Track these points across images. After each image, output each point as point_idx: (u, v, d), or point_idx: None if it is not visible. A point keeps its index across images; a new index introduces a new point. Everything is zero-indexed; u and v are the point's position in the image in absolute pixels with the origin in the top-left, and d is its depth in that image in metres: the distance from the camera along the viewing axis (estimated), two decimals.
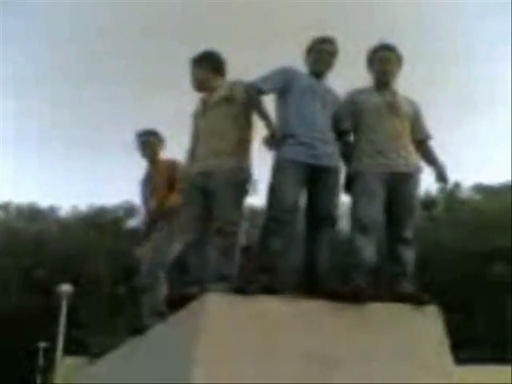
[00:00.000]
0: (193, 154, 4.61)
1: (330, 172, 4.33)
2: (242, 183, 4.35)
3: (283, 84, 4.40)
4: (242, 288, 3.78)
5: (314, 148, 4.26)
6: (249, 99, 4.37)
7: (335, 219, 4.39)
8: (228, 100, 4.45)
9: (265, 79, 4.41)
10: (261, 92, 4.37)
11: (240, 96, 4.42)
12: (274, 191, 4.20)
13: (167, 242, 5.29)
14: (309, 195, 4.37)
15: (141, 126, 5.97)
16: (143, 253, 5.68)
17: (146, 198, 5.91)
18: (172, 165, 5.63)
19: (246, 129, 4.47)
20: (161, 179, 5.67)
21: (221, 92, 4.53)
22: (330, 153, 4.34)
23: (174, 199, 5.33)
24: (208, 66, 4.68)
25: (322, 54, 4.50)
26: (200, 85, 4.71)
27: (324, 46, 4.51)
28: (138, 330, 5.19)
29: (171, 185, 5.50)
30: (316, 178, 4.27)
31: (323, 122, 4.37)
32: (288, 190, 4.14)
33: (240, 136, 4.41)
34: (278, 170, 4.24)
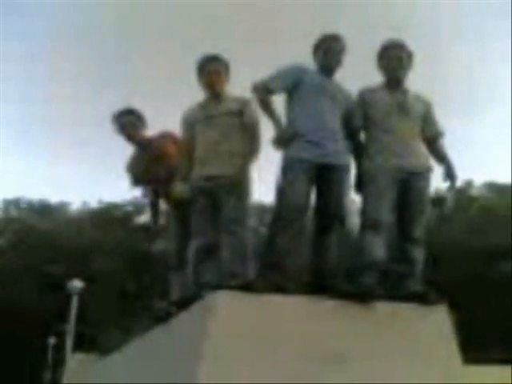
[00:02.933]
0: (191, 158, 4.71)
1: (339, 170, 4.30)
2: (245, 185, 4.53)
3: (292, 83, 4.39)
4: (250, 285, 3.78)
5: (323, 146, 4.24)
6: (258, 98, 4.38)
7: (344, 218, 4.38)
8: (240, 114, 4.60)
9: (274, 78, 4.40)
10: (270, 91, 4.37)
11: (249, 115, 4.59)
12: (282, 190, 4.19)
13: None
14: (318, 193, 4.35)
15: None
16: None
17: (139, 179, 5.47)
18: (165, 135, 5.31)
19: (249, 143, 4.58)
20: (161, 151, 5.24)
21: (232, 105, 4.66)
22: (338, 151, 4.31)
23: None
24: (223, 64, 4.78)
25: (329, 52, 4.47)
26: (216, 80, 4.72)
27: (331, 43, 4.48)
28: (160, 317, 5.08)
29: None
30: (325, 177, 4.25)
31: (333, 120, 4.34)
32: (296, 189, 4.13)
33: (244, 148, 4.56)
34: (286, 169, 4.23)
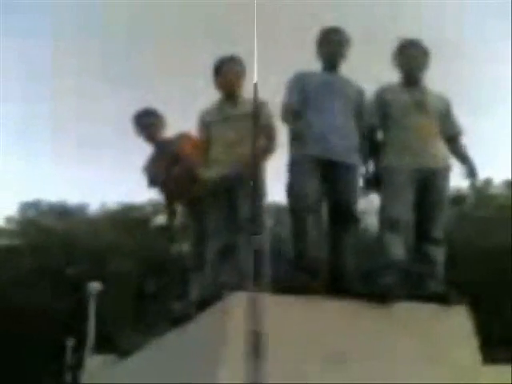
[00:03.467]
0: (207, 158, 4.73)
1: (348, 168, 4.29)
2: (260, 185, 4.52)
3: (300, 92, 4.39)
4: (292, 288, 3.78)
5: (330, 143, 4.24)
6: (289, 123, 4.42)
7: (356, 215, 4.37)
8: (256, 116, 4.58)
9: (289, 96, 4.42)
10: (297, 112, 4.37)
11: (265, 117, 4.60)
12: (291, 186, 4.23)
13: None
14: (328, 191, 4.34)
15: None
16: None
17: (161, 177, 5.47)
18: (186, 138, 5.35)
19: (264, 144, 4.56)
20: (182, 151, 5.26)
21: (248, 107, 4.59)
22: (347, 148, 4.30)
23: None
24: (241, 65, 4.78)
25: (329, 44, 4.48)
26: (235, 81, 4.75)
27: (330, 36, 4.48)
28: (178, 318, 5.07)
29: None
30: (334, 174, 4.26)
31: (342, 116, 4.34)
32: (302, 183, 4.15)
33: (259, 149, 4.50)
34: (293, 165, 4.26)
